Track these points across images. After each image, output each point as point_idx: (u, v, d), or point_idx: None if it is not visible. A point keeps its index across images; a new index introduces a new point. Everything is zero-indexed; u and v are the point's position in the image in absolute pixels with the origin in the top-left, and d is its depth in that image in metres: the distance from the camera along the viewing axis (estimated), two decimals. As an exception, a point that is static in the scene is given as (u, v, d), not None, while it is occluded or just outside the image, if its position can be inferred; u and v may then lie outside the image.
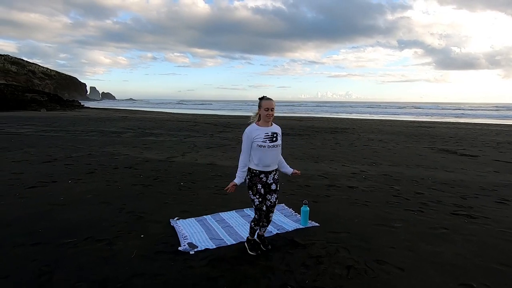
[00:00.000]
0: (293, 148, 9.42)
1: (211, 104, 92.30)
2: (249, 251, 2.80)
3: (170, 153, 8.08)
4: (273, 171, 2.76)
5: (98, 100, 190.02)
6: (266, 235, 3.07)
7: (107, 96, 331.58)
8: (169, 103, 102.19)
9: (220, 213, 3.75)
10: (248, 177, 2.72)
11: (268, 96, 2.70)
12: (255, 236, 2.90)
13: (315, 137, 12.66)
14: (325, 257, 2.72)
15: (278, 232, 3.24)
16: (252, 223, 2.80)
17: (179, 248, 2.80)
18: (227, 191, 2.59)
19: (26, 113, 26.05)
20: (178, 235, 3.08)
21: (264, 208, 2.75)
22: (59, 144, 9.29)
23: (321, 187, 5.04)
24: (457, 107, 63.58)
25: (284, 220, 3.59)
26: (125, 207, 3.88)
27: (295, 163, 6.99)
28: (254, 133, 2.63)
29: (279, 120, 22.65)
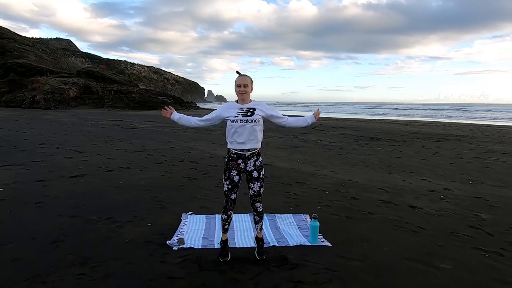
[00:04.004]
0: (371, 154, 8.26)
1: (309, 106, 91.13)
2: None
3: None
4: (252, 155, 2.50)
5: (212, 102, 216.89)
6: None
7: (220, 98, 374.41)
8: (272, 105, 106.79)
9: (234, 213, 3.60)
10: (226, 160, 2.58)
11: (244, 74, 2.54)
12: (227, 234, 2.68)
13: (411, 144, 10.74)
14: (307, 285, 2.24)
15: (276, 245, 2.87)
16: (222, 211, 2.64)
17: (167, 242, 2.85)
18: (164, 111, 2.68)
19: (155, 112, 32.10)
20: (178, 229, 3.15)
21: (233, 197, 2.57)
22: (158, 138, 11.03)
23: (370, 202, 4.21)
24: None
25: (292, 231, 3.16)
26: (158, 196, 4.24)
27: (362, 171, 6.11)
28: (227, 111, 2.52)
29: (377, 124, 20.35)
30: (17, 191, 4.33)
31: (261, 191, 2.60)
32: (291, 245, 2.87)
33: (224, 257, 2.57)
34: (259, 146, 2.55)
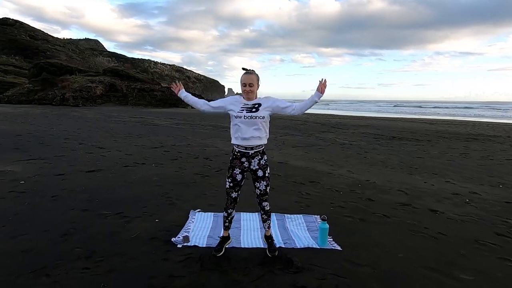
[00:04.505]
0: (392, 154, 7.90)
1: (329, 104, 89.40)
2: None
3: (254, 149, 8.33)
4: (256, 153, 2.43)
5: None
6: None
7: (240, 95, 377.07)
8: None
9: (243, 212, 3.54)
10: (230, 158, 2.51)
11: (250, 70, 2.43)
12: (228, 232, 2.65)
13: (436, 144, 10.19)
14: (311, 291, 2.12)
15: (283, 246, 2.76)
16: (225, 206, 2.59)
17: (172, 239, 2.83)
18: (174, 86, 2.64)
19: (176, 109, 32.73)
20: (184, 226, 3.12)
21: (234, 195, 2.51)
22: (176, 135, 11.18)
23: (387, 204, 3.99)
24: None
25: (301, 233, 3.04)
26: (169, 193, 4.25)
27: (380, 172, 5.85)
28: (232, 105, 2.45)
29: (401, 122, 19.56)
30: (37, 184, 4.50)
31: (268, 190, 2.52)
32: (298, 247, 2.76)
33: (217, 251, 2.54)
34: (264, 142, 2.47)
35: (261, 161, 2.45)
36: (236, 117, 2.41)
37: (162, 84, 44.51)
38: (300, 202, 4.02)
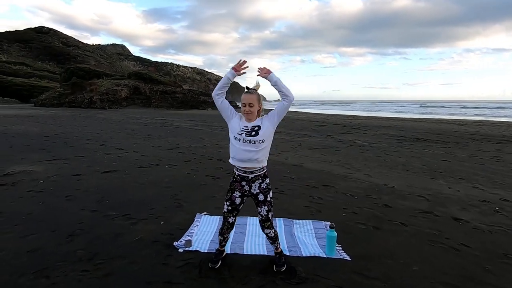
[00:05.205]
0: (415, 157, 7.48)
1: (349, 104, 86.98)
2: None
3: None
4: (257, 177, 2.30)
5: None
6: (270, 254, 2.56)
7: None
8: (311, 103, 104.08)
9: (249, 217, 3.43)
10: (230, 180, 2.39)
11: (252, 88, 2.27)
12: (229, 249, 2.54)
13: (465, 146, 9.56)
14: (312, 305, 1.97)
15: (288, 254, 2.62)
16: (219, 230, 2.44)
17: (174, 243, 2.77)
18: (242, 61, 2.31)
19: (197, 111, 33.26)
20: (188, 230, 3.06)
21: (231, 220, 2.36)
22: (193, 136, 11.29)
23: (405, 211, 3.73)
24: None
25: (308, 240, 2.88)
26: (178, 195, 4.23)
27: (400, 176, 5.53)
28: (233, 121, 2.29)
29: (427, 123, 18.64)
30: (54, 184, 4.65)
31: (270, 216, 2.34)
32: (304, 255, 2.61)
33: (213, 263, 2.41)
34: (263, 165, 2.32)
35: (262, 184, 2.32)
36: (235, 138, 2.28)
37: (183, 87, 45.45)
38: (311, 207, 3.85)
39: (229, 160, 2.36)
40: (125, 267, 2.40)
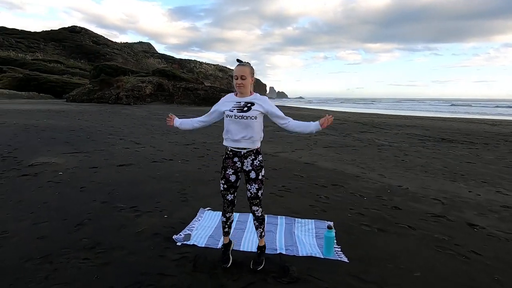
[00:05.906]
0: (436, 158, 7.12)
1: (373, 102, 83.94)
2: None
3: (283, 148, 8.14)
4: (249, 153, 2.27)
5: (273, 98, 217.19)
6: (267, 252, 2.54)
7: (281, 95, 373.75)
8: (333, 101, 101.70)
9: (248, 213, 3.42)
10: (223, 157, 2.38)
11: (244, 62, 2.29)
12: (229, 237, 2.48)
13: (495, 148, 8.98)
14: (300, 305, 1.94)
15: (284, 253, 2.59)
16: (222, 213, 2.46)
17: (173, 236, 2.82)
18: (168, 120, 2.62)
19: (217, 108, 33.63)
20: (189, 224, 3.11)
21: (229, 198, 2.34)
22: (210, 132, 11.43)
23: (416, 214, 3.56)
24: None
25: (307, 240, 2.83)
26: (186, 189, 4.31)
27: (417, 177, 5.31)
28: (224, 105, 2.32)
29: (456, 123, 17.67)
30: (72, 176, 4.89)
31: (259, 194, 2.32)
32: (300, 255, 2.57)
33: (224, 262, 2.36)
34: (256, 146, 2.29)
35: (255, 161, 2.29)
36: (227, 116, 2.28)
37: (205, 83, 46.12)
38: (316, 206, 3.78)
39: (223, 143, 2.34)
40: (123, 257, 2.48)
